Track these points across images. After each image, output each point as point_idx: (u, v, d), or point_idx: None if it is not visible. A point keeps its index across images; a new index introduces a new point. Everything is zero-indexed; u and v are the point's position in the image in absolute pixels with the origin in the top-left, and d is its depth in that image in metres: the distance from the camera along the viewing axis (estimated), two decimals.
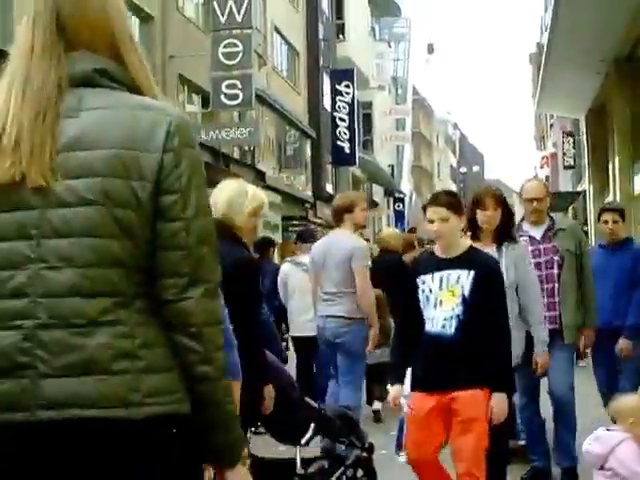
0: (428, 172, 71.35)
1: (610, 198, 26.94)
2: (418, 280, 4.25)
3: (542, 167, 42.73)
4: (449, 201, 4.23)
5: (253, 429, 4.47)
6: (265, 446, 4.62)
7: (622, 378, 5.96)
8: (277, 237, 21.30)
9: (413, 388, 4.31)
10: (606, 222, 6.05)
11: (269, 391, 4.05)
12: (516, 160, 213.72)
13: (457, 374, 4.09)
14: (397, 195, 49.68)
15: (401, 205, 50.01)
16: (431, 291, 4.19)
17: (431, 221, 4.20)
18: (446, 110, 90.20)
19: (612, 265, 6.00)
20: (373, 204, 37.83)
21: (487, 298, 4.14)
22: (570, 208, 34.43)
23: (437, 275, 4.20)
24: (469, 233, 5.02)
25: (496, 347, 4.14)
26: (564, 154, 33.85)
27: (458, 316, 4.11)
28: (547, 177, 44.62)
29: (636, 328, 5.92)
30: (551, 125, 39.62)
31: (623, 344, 5.88)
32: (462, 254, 4.25)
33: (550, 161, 39.92)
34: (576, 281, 5.56)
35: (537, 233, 5.64)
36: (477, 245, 4.72)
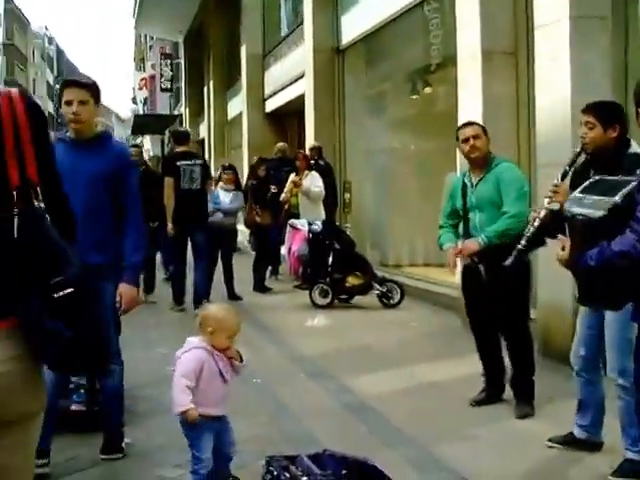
0: (23, 87, 67.72)
1: (205, 122, 27.85)
2: None
3: (141, 89, 42.74)
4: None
5: None
6: None
7: None
8: None
9: None
10: None
11: None
12: (115, 80, 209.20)
13: None
14: None
15: None
16: None
17: None
18: (43, 24, 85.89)
19: None
20: None
21: None
22: (167, 130, 34.84)
23: None
24: None
25: None
26: (162, 76, 34.14)
27: None
28: (145, 99, 44.77)
29: None
30: (150, 47, 39.63)
31: None
32: None
33: (149, 83, 40.04)
34: None
35: None
36: None
